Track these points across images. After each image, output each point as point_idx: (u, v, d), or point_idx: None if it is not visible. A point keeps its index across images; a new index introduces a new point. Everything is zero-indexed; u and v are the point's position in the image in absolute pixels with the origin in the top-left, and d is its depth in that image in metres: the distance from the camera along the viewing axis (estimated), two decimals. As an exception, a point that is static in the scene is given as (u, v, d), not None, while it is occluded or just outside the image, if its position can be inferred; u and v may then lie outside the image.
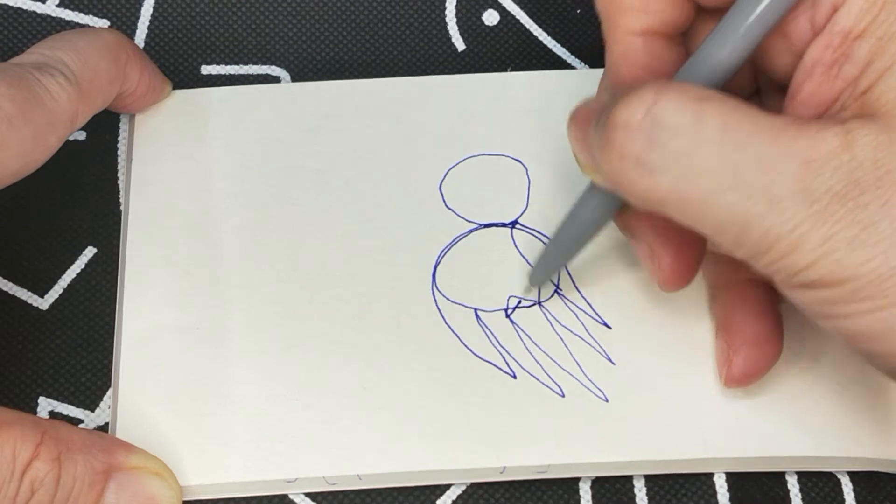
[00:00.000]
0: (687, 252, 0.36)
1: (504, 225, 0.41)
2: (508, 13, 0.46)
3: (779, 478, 0.39)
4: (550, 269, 0.39)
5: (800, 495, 0.39)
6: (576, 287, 0.40)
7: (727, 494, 0.39)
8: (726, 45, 0.32)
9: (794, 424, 0.38)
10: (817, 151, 0.29)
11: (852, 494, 0.39)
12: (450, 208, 0.41)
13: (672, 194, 0.30)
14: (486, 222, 0.41)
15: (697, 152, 0.29)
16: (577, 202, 0.37)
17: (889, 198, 0.28)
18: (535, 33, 0.46)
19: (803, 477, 0.39)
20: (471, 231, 0.41)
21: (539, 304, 0.40)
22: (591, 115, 0.33)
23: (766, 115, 0.30)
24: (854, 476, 0.39)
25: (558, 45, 0.46)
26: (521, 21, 0.46)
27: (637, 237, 0.37)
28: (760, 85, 0.37)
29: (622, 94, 0.31)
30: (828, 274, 0.29)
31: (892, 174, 0.28)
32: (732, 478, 0.39)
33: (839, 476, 0.39)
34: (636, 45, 0.35)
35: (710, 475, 0.39)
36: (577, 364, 0.39)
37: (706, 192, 0.29)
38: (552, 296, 0.40)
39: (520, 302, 0.40)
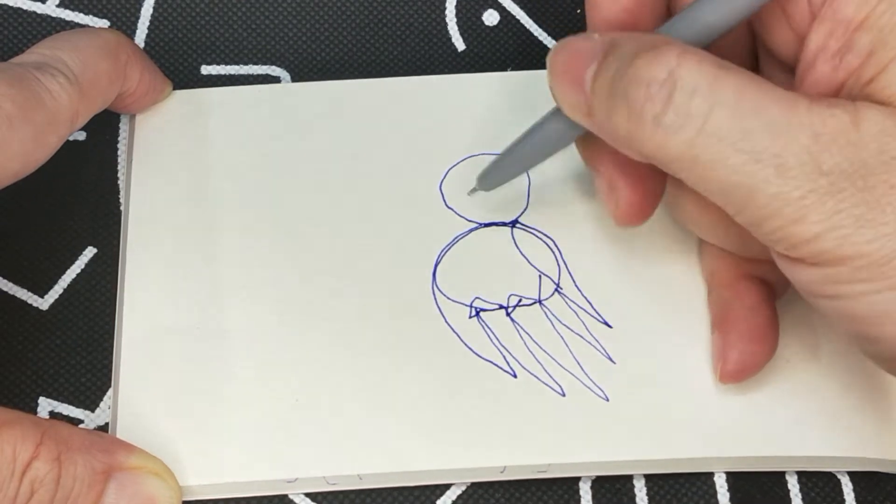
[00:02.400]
0: (645, 188, 0.36)
1: (504, 224, 0.41)
2: (508, 13, 0.46)
3: (779, 478, 0.39)
4: (501, 177, 0.39)
5: (800, 495, 0.39)
6: (576, 286, 0.40)
7: (727, 494, 0.39)
8: (714, 12, 0.32)
9: (795, 424, 0.38)
10: (827, 126, 0.29)
11: (852, 495, 0.39)
12: (450, 207, 0.41)
13: (683, 154, 0.31)
14: (487, 221, 0.41)
15: (712, 114, 0.30)
16: (542, 119, 0.37)
17: None
18: (536, 33, 0.46)
19: (803, 477, 0.39)
20: (471, 230, 0.41)
21: (540, 302, 0.40)
22: (586, 56, 0.33)
23: (779, 89, 0.30)
24: (854, 476, 0.39)
25: (558, 46, 0.46)
26: (522, 21, 0.46)
27: (598, 169, 0.37)
28: (760, 59, 0.37)
29: (641, 51, 0.31)
30: (831, 249, 0.29)
31: None
32: (733, 478, 0.39)
33: (839, 476, 0.39)
34: None
35: (711, 475, 0.39)
36: (578, 363, 0.39)
37: (716, 153, 0.30)
38: (553, 294, 0.40)
39: (520, 300, 0.40)
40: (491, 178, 0.39)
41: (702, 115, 0.30)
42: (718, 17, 0.32)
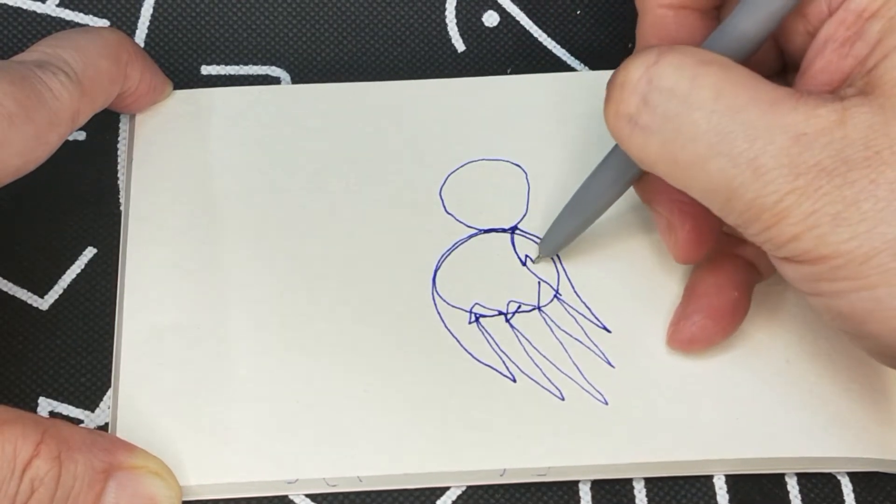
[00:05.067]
0: (703, 227, 0.36)
1: (504, 230, 0.41)
2: (508, 14, 0.46)
3: (778, 479, 0.39)
4: (562, 237, 0.39)
5: (800, 496, 0.39)
6: (575, 291, 0.40)
7: (727, 496, 0.39)
8: (749, 20, 0.32)
9: (794, 425, 0.38)
10: (811, 126, 0.29)
11: (852, 495, 0.39)
12: (450, 213, 0.41)
13: (662, 156, 0.31)
14: (486, 227, 0.41)
15: (688, 116, 0.30)
16: (599, 164, 0.37)
17: (876, 177, 0.29)
18: (535, 34, 0.46)
19: (803, 478, 0.39)
20: (471, 236, 0.41)
21: (539, 308, 0.40)
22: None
23: (766, 85, 0.30)
24: (854, 476, 0.39)
25: (558, 47, 0.46)
26: (521, 22, 0.46)
27: (656, 210, 0.37)
28: (787, 64, 0.37)
29: (631, 55, 0.31)
30: (811, 249, 0.29)
31: (882, 155, 0.29)
32: (732, 479, 0.39)
33: (839, 477, 0.39)
34: (667, 17, 0.35)
35: (710, 477, 0.39)
36: (577, 367, 0.39)
37: (693, 156, 0.30)
38: (552, 300, 0.40)
39: (520, 307, 0.40)
40: (552, 241, 0.40)
41: (677, 116, 0.30)
42: (751, 25, 0.32)
